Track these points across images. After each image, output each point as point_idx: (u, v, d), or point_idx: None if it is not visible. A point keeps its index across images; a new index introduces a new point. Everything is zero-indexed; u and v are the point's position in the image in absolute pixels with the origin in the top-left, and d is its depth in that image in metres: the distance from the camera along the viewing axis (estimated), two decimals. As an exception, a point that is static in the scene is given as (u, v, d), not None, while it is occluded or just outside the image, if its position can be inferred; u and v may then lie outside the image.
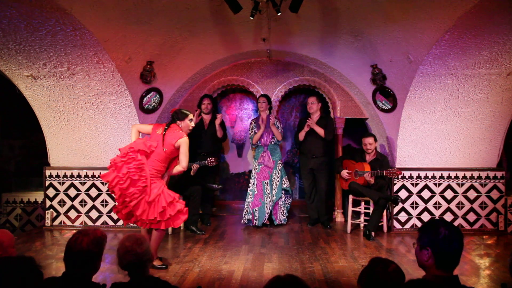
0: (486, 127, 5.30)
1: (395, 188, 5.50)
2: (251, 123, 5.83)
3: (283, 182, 5.69)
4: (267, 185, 5.61)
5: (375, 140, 5.30)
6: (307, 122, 5.59)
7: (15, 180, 6.83)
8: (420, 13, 4.07)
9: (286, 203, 5.82)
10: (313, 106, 5.66)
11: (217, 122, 5.63)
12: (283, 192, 5.71)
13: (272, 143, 5.71)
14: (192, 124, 4.05)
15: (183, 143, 3.82)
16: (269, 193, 5.59)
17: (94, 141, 5.51)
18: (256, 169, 5.70)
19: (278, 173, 5.67)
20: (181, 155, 3.83)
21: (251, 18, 4.09)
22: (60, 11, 3.69)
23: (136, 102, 5.25)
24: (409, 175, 5.49)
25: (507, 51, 4.37)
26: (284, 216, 5.73)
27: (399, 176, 5.38)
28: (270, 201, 5.57)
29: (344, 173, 5.38)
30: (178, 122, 3.98)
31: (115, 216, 5.65)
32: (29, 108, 5.38)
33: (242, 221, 5.68)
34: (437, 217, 5.43)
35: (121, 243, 2.13)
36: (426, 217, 5.49)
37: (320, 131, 5.57)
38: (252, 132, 5.75)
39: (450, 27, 3.98)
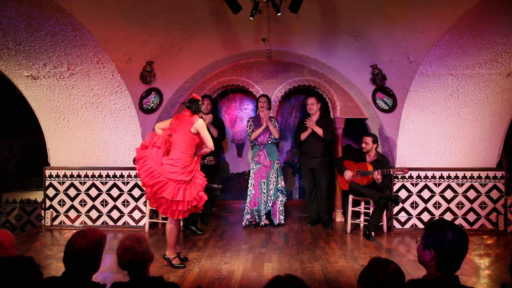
0: (486, 127, 5.30)
1: (395, 188, 5.50)
2: (248, 121, 5.84)
3: (279, 182, 5.69)
4: (264, 185, 5.62)
5: (375, 141, 5.29)
6: (305, 122, 5.59)
7: (15, 180, 6.84)
8: (420, 13, 4.07)
9: (282, 203, 5.81)
10: (313, 107, 5.66)
11: (207, 122, 5.52)
12: (279, 192, 5.70)
13: (269, 142, 5.70)
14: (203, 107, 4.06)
15: (200, 127, 3.84)
16: (265, 193, 5.59)
17: (94, 141, 5.51)
18: (254, 169, 5.70)
19: (275, 173, 5.68)
20: (204, 140, 3.87)
21: (251, 18, 4.09)
22: (60, 11, 3.69)
23: (136, 102, 5.25)
24: (409, 175, 5.49)
25: (507, 51, 4.37)
26: (282, 216, 5.73)
27: (406, 175, 5.37)
28: (265, 201, 5.57)
29: (348, 174, 5.37)
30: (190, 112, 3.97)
31: (115, 216, 5.65)
32: (29, 108, 5.38)
33: (243, 223, 5.67)
34: (437, 217, 5.43)
35: (121, 242, 2.13)
36: (426, 217, 5.49)
37: (319, 131, 5.58)
38: (250, 129, 5.75)
39: (450, 27, 3.98)
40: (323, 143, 5.67)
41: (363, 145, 5.28)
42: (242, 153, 7.25)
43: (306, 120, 5.62)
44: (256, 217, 5.57)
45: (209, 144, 3.88)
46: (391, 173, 5.02)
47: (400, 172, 4.98)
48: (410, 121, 5.28)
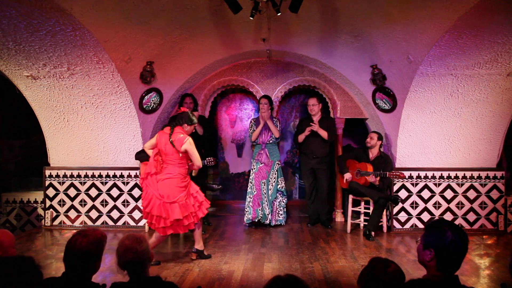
0: (486, 127, 5.30)
1: (395, 188, 5.50)
2: (250, 122, 5.84)
3: (279, 183, 5.69)
4: (264, 185, 5.61)
5: (379, 139, 5.32)
6: (310, 126, 5.54)
7: (15, 180, 6.84)
8: (420, 13, 4.07)
9: (282, 204, 5.80)
10: (314, 108, 5.64)
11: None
12: (279, 193, 5.70)
13: (271, 141, 5.70)
14: (193, 129, 4.15)
15: (188, 145, 3.90)
16: (265, 193, 5.59)
17: (94, 141, 5.51)
18: (254, 168, 5.69)
19: (275, 174, 5.68)
20: (192, 158, 3.93)
21: (251, 18, 4.09)
22: (60, 11, 3.69)
23: (136, 102, 5.25)
24: (409, 175, 5.49)
25: (507, 51, 4.37)
26: (281, 217, 5.72)
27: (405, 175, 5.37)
28: (266, 201, 5.58)
29: (347, 176, 5.36)
30: (185, 125, 4.03)
31: (115, 216, 5.65)
32: (29, 108, 5.38)
33: (245, 222, 5.68)
34: (437, 217, 5.43)
35: (120, 242, 2.13)
36: (426, 217, 5.49)
37: (324, 133, 5.56)
38: (251, 129, 5.76)
39: (450, 27, 3.98)
40: (325, 143, 5.66)
41: (368, 139, 5.33)
42: (242, 153, 7.25)
43: (311, 124, 5.57)
44: (261, 217, 5.57)
45: (197, 162, 3.94)
46: (387, 176, 5.02)
47: (396, 175, 4.97)
48: (410, 121, 5.28)
